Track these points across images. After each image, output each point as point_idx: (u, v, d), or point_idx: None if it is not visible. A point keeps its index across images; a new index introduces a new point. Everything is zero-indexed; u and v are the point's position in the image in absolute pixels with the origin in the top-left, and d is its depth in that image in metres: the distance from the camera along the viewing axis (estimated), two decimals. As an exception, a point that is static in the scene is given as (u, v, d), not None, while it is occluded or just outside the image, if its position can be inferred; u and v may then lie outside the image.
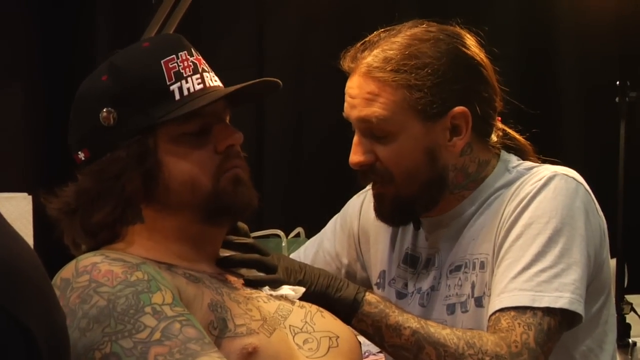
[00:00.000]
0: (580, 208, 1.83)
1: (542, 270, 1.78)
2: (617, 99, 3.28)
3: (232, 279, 1.70)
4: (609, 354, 1.92)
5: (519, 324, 1.75)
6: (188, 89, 1.65)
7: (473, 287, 1.86)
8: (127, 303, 1.50)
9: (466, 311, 1.87)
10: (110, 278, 1.53)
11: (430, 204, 1.89)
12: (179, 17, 3.08)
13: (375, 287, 2.03)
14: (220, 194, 1.65)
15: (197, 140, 1.65)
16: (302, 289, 1.74)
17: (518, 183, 1.87)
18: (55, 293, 1.32)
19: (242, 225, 1.79)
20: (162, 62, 1.65)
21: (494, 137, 1.93)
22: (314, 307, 1.72)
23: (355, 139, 1.88)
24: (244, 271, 1.75)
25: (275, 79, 1.72)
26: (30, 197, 3.03)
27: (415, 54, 1.84)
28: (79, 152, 1.67)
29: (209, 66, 1.71)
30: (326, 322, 1.70)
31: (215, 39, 3.77)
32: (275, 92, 1.75)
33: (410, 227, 1.98)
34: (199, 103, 1.63)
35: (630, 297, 3.22)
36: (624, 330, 3.11)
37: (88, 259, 1.57)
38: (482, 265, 1.86)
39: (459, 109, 1.85)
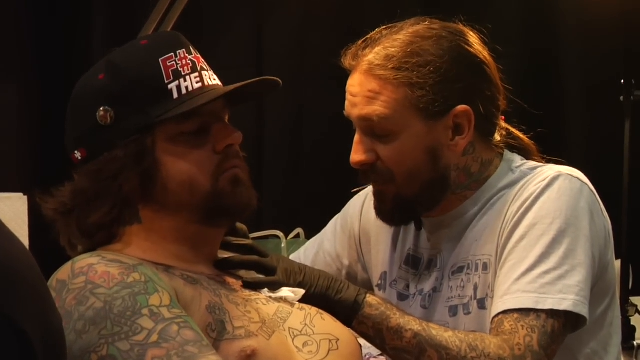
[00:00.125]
0: (585, 209, 1.83)
1: (546, 272, 1.78)
2: (621, 98, 3.29)
3: (230, 280, 1.70)
4: (613, 357, 1.92)
5: (522, 326, 1.75)
6: (186, 88, 1.65)
7: (476, 288, 1.86)
8: (124, 305, 1.50)
9: (469, 313, 1.87)
10: (106, 279, 1.53)
11: (432, 203, 1.89)
12: (177, 14, 3.08)
13: (376, 289, 2.03)
14: (219, 194, 1.65)
15: (196, 140, 1.65)
16: (301, 291, 1.74)
17: (522, 183, 1.87)
18: (51, 295, 1.32)
19: (241, 226, 1.79)
20: (160, 60, 1.65)
21: (497, 137, 1.93)
22: (314, 310, 1.72)
23: (356, 137, 1.88)
24: (242, 273, 1.75)
25: (274, 78, 1.71)
26: (25, 197, 3.03)
27: (418, 52, 1.83)
28: (76, 152, 1.67)
29: (208, 64, 1.70)
30: (326, 324, 1.70)
31: (214, 37, 3.76)
32: (275, 91, 1.75)
33: (412, 228, 1.98)
34: (198, 102, 1.63)
35: (635, 299, 3.22)
36: (628, 332, 3.12)
37: (84, 260, 1.57)
38: (485, 267, 1.86)
39: (461, 107, 1.85)
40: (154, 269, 1.59)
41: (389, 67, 1.83)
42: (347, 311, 1.77)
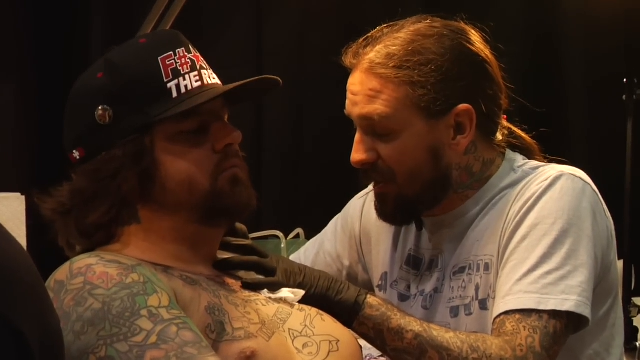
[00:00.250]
0: (587, 209, 1.83)
1: (548, 272, 1.78)
2: (624, 97, 3.28)
3: (230, 281, 1.70)
4: (616, 358, 1.92)
5: (524, 327, 1.75)
6: (186, 87, 1.65)
7: (477, 289, 1.86)
8: (122, 306, 1.50)
9: (470, 314, 1.87)
10: (105, 280, 1.53)
11: (434, 203, 1.89)
12: (176, 12, 3.08)
13: (377, 290, 2.03)
14: (218, 194, 1.65)
15: (195, 139, 1.65)
16: (301, 292, 1.74)
17: (524, 183, 1.87)
18: (49, 295, 1.32)
19: (240, 226, 1.79)
20: (159, 59, 1.64)
21: (499, 136, 1.93)
22: (314, 310, 1.72)
23: (357, 136, 1.88)
24: (242, 273, 1.75)
25: (274, 77, 1.71)
26: (23, 197, 3.03)
27: (419, 50, 1.83)
28: (74, 151, 1.67)
29: (207, 63, 1.70)
30: (326, 325, 1.70)
31: (213, 36, 3.76)
32: (275, 90, 1.74)
33: (413, 228, 1.98)
34: (197, 101, 1.63)
35: (637, 300, 3.22)
36: (631, 333, 3.12)
37: (83, 261, 1.56)
38: (487, 267, 1.86)
39: (463, 106, 1.85)
40: (153, 270, 1.58)
41: (390, 65, 1.83)
42: (347, 312, 1.76)
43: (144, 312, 1.49)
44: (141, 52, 1.67)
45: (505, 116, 1.95)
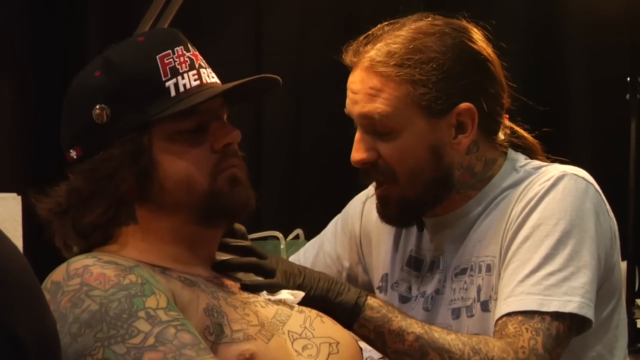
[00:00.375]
0: (590, 209, 1.83)
1: (551, 274, 1.78)
2: (627, 96, 3.29)
3: (228, 282, 1.70)
4: (619, 360, 1.92)
5: (526, 329, 1.75)
6: (184, 85, 1.65)
7: (479, 290, 1.86)
8: (120, 307, 1.49)
9: (472, 316, 1.87)
10: (102, 281, 1.53)
11: (436, 203, 1.89)
12: (174, 10, 3.08)
13: (377, 291, 2.03)
14: (217, 194, 1.65)
15: (194, 138, 1.65)
16: (301, 293, 1.74)
17: (526, 183, 1.87)
18: (45, 297, 1.32)
19: (239, 226, 1.79)
20: (157, 57, 1.64)
21: (501, 135, 1.93)
22: (314, 312, 1.72)
23: (357, 135, 1.88)
24: (241, 275, 1.75)
25: (274, 76, 1.71)
26: (19, 197, 3.03)
27: (420, 48, 1.83)
28: (71, 151, 1.67)
29: (206, 62, 1.70)
30: (326, 327, 1.70)
31: (212, 34, 3.76)
32: (275, 89, 1.74)
33: (414, 229, 1.98)
34: (196, 100, 1.63)
35: (641, 301, 3.22)
36: (634, 335, 3.12)
37: (80, 262, 1.56)
38: (489, 268, 1.86)
39: (464, 105, 1.85)
40: (151, 271, 1.58)
41: (391, 63, 1.83)
42: (347, 314, 1.76)
43: (141, 313, 1.49)
44: (139, 50, 1.67)
45: (507, 115, 1.95)
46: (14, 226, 2.97)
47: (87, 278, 1.53)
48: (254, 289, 1.71)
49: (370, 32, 1.89)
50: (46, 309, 1.27)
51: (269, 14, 3.92)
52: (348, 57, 1.88)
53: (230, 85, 1.66)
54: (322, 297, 1.76)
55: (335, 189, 2.89)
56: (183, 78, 1.65)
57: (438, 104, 1.83)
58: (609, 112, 3.77)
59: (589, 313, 1.78)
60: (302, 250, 2.16)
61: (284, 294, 1.72)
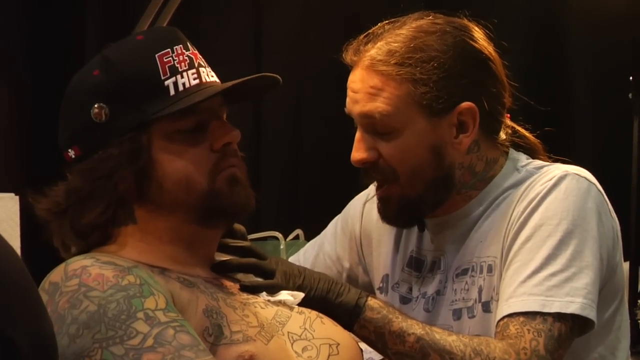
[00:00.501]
0: (593, 209, 1.83)
1: (553, 274, 1.78)
2: (630, 95, 3.29)
3: (228, 283, 1.70)
4: (622, 361, 1.92)
5: (528, 330, 1.75)
6: (183, 84, 1.64)
7: (480, 291, 1.86)
8: (118, 308, 1.49)
9: (473, 317, 1.87)
10: (100, 282, 1.52)
11: (437, 203, 1.89)
12: (173, 9, 3.08)
13: (377, 292, 2.03)
14: (216, 194, 1.65)
15: (193, 138, 1.65)
16: (301, 294, 1.74)
17: (527, 183, 1.87)
18: (42, 299, 1.32)
19: (238, 227, 1.79)
20: (156, 56, 1.64)
21: (502, 135, 1.92)
22: (314, 313, 1.72)
23: (358, 135, 1.87)
24: (240, 276, 1.75)
25: (274, 75, 1.71)
26: (17, 197, 3.03)
27: (421, 47, 1.83)
28: (69, 150, 1.67)
29: (205, 60, 1.70)
30: (326, 328, 1.70)
31: (212, 33, 3.76)
32: (275, 88, 1.74)
33: (415, 229, 1.98)
34: (195, 99, 1.63)
35: (643, 302, 3.22)
36: (637, 336, 3.11)
37: (78, 262, 1.56)
38: (490, 269, 1.86)
39: (466, 104, 1.85)
40: (149, 272, 1.58)
41: (392, 62, 1.83)
42: (348, 315, 1.76)
43: (140, 314, 1.49)
44: (138, 49, 1.67)
45: (508, 115, 1.95)
46: (11, 226, 2.97)
47: (85, 279, 1.53)
48: (254, 290, 1.71)
49: (370, 31, 1.89)
50: (43, 311, 1.26)
51: (269, 12, 3.92)
52: (348, 56, 1.88)
53: (229, 84, 1.66)
54: (322, 298, 1.76)
55: (336, 189, 2.89)
56: (182, 77, 1.65)
57: (439, 103, 1.83)
58: (611, 111, 3.77)
59: (591, 314, 1.78)
60: (301, 251, 2.15)
61: (284, 295, 1.72)
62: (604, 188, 1.88)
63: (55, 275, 1.56)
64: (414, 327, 1.76)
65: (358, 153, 1.87)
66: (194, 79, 1.66)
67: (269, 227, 3.30)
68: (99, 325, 1.48)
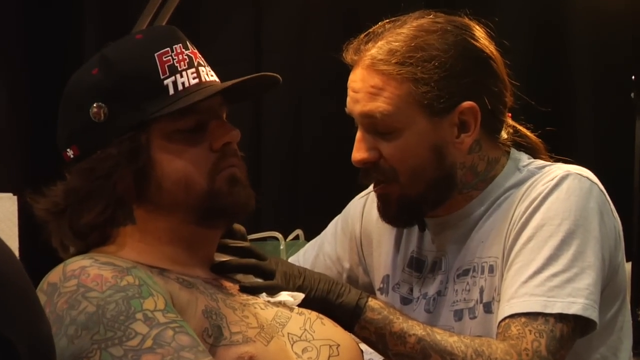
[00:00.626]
0: (595, 209, 1.83)
1: (555, 275, 1.78)
2: (632, 95, 3.28)
3: (227, 284, 1.70)
4: (624, 362, 1.92)
5: (530, 330, 1.75)
6: (183, 84, 1.64)
7: (482, 292, 1.86)
8: (117, 309, 1.49)
9: (474, 317, 1.87)
10: (99, 283, 1.52)
11: (438, 203, 1.89)
12: (172, 8, 3.08)
13: (378, 293, 2.03)
14: (216, 194, 1.65)
15: (192, 137, 1.65)
16: (301, 295, 1.74)
17: (529, 183, 1.87)
18: (40, 300, 1.32)
19: (238, 227, 1.79)
20: (155, 55, 1.64)
21: (503, 134, 1.92)
22: (314, 314, 1.72)
23: (358, 135, 1.87)
24: (240, 276, 1.75)
25: (274, 74, 1.71)
26: (15, 197, 3.03)
27: (422, 46, 1.83)
28: (68, 150, 1.67)
29: (205, 60, 1.70)
30: (326, 329, 1.70)
31: (211, 32, 3.76)
32: (275, 88, 1.74)
33: (416, 230, 1.98)
34: (194, 98, 1.63)
35: (646, 303, 3.21)
36: (639, 336, 3.11)
37: (76, 263, 1.56)
38: (491, 269, 1.86)
39: (467, 104, 1.85)
40: (149, 272, 1.58)
41: (393, 61, 1.83)
42: (348, 315, 1.76)
43: (139, 315, 1.49)
44: (137, 47, 1.67)
45: (509, 114, 1.94)
46: (9, 227, 2.97)
47: (84, 279, 1.53)
48: (253, 290, 1.71)
49: (371, 30, 1.89)
50: (40, 313, 1.26)
51: (269, 12, 3.92)
52: (349, 56, 1.88)
53: (229, 83, 1.66)
54: (322, 298, 1.76)
55: (336, 189, 2.89)
56: (182, 76, 1.65)
57: (440, 103, 1.83)
58: (613, 110, 3.77)
59: (593, 315, 1.78)
60: (301, 251, 2.15)
61: (284, 296, 1.72)
62: (606, 188, 1.88)
63: (54, 275, 1.56)
64: (415, 328, 1.76)
65: (359, 153, 1.87)
66: (194, 78, 1.66)
67: (268, 227, 3.30)
68: (97, 326, 1.48)
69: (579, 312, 1.76)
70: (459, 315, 1.89)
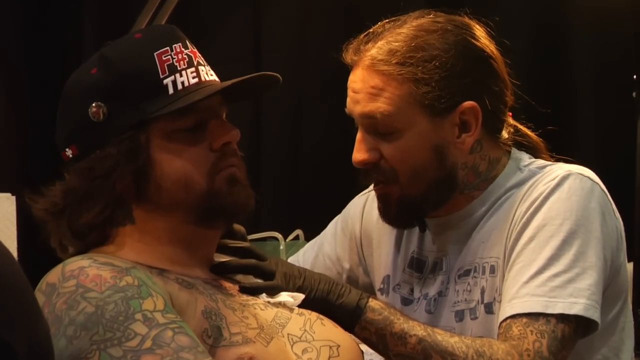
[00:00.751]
0: (596, 209, 1.83)
1: (556, 275, 1.78)
2: (634, 94, 3.28)
3: (227, 284, 1.70)
4: (626, 363, 1.92)
5: (531, 331, 1.75)
6: (182, 83, 1.64)
7: (483, 292, 1.86)
8: (116, 309, 1.49)
9: (475, 318, 1.87)
10: (98, 283, 1.52)
11: (439, 204, 1.89)
12: (172, 7, 3.08)
13: (378, 293, 2.03)
14: (215, 193, 1.65)
15: (192, 137, 1.65)
16: (301, 296, 1.74)
17: (530, 182, 1.87)
18: (38, 301, 1.31)
19: (238, 227, 1.79)
20: (155, 54, 1.64)
21: (504, 134, 1.92)
22: (314, 315, 1.72)
23: (359, 135, 1.87)
24: (240, 277, 1.75)
25: (274, 74, 1.71)
26: (14, 197, 3.03)
27: (422, 46, 1.83)
28: (67, 149, 1.67)
29: (204, 59, 1.70)
30: (326, 330, 1.70)
31: (211, 31, 3.76)
32: (275, 87, 1.74)
33: (416, 230, 1.98)
34: (194, 97, 1.62)
35: (647, 303, 3.21)
36: (641, 337, 3.11)
37: (75, 263, 1.56)
38: (493, 270, 1.86)
39: (468, 103, 1.85)
40: (148, 273, 1.58)
41: (393, 62, 1.83)
42: (348, 316, 1.76)
43: (138, 316, 1.49)
44: (136, 47, 1.66)
45: (510, 113, 1.94)
46: (8, 227, 2.97)
47: (82, 280, 1.53)
48: (253, 291, 1.71)
49: (370, 30, 1.88)
50: (39, 314, 1.26)
51: (268, 11, 3.92)
52: (348, 56, 1.88)
53: (229, 82, 1.66)
54: (322, 299, 1.76)
55: (335, 189, 2.89)
56: (181, 75, 1.65)
57: (441, 103, 1.83)
58: (615, 110, 3.77)
59: (594, 315, 1.78)
60: (301, 252, 2.15)
61: (284, 297, 1.72)
62: (607, 187, 1.88)
63: (53, 276, 1.56)
64: (416, 329, 1.76)
65: (359, 154, 1.87)
66: (193, 77, 1.66)
67: (268, 227, 3.30)
68: (96, 327, 1.48)
69: (581, 313, 1.76)
70: (460, 315, 1.89)
